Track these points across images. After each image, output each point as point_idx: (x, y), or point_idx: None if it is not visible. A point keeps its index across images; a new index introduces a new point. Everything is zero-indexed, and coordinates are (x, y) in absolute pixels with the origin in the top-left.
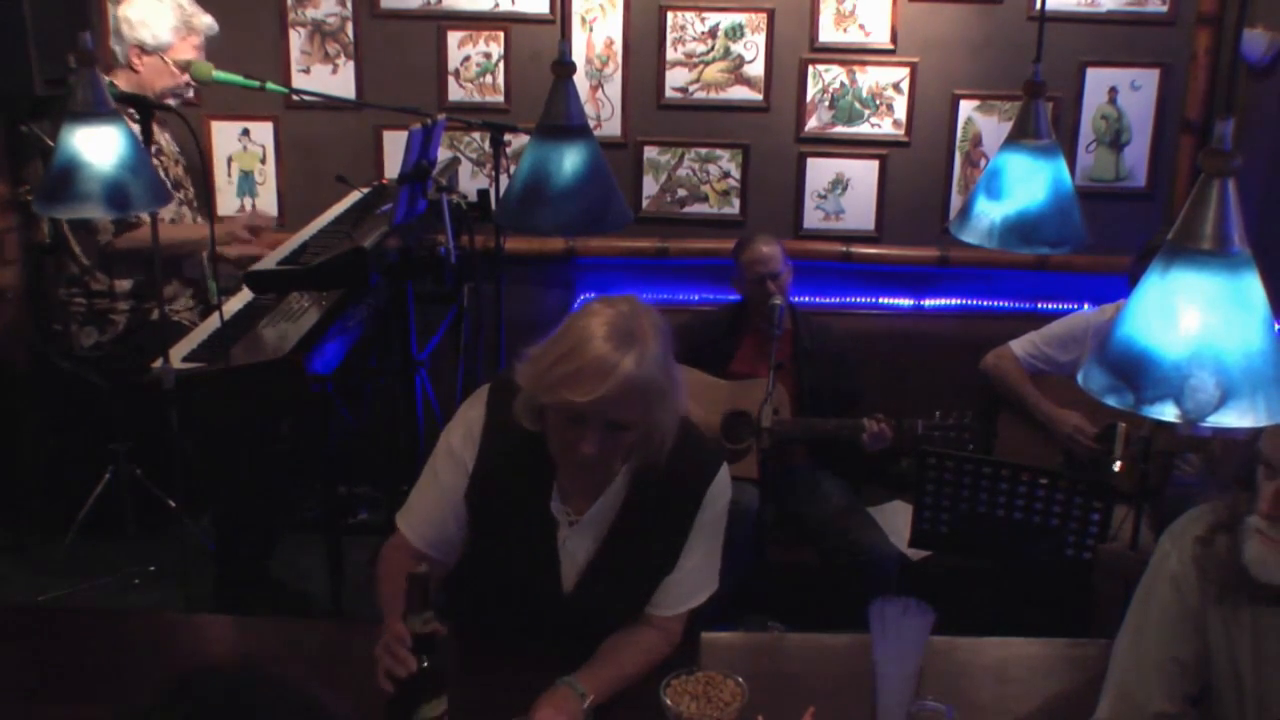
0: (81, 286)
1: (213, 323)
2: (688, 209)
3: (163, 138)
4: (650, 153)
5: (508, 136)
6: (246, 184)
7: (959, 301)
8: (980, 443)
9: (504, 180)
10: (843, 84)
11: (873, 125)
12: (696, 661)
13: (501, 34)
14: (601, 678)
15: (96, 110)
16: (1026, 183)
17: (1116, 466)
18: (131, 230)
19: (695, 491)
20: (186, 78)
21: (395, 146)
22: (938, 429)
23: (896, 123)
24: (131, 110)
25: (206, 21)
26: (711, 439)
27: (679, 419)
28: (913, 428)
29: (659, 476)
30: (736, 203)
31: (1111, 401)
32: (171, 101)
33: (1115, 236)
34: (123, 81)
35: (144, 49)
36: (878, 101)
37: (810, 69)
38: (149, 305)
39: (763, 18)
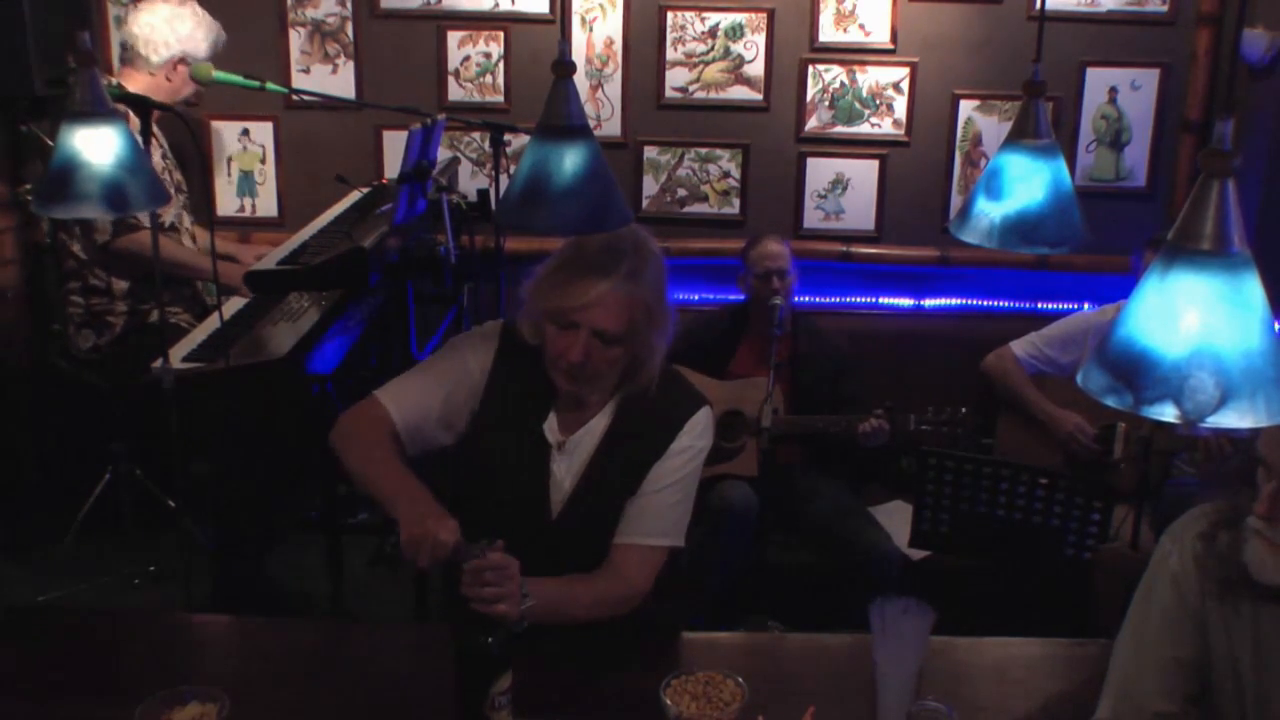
0: (80, 280)
1: (213, 323)
2: (688, 209)
3: (163, 142)
4: (650, 153)
5: (508, 136)
6: (246, 184)
7: (959, 301)
8: (974, 437)
9: (504, 180)
10: (843, 84)
11: (873, 125)
12: (690, 662)
13: (501, 34)
14: (546, 583)
15: (95, 110)
16: (1026, 182)
17: (1118, 450)
18: (131, 233)
19: (674, 422)
20: (195, 87)
21: (395, 146)
22: (930, 423)
23: (896, 122)
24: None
25: (223, 38)
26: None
27: (664, 352)
28: (905, 422)
29: (642, 407)
30: (736, 203)
31: (1111, 402)
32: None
33: (1115, 236)
34: (139, 87)
35: (184, 60)
36: (878, 101)
37: (810, 69)
38: (146, 308)
39: (763, 18)
